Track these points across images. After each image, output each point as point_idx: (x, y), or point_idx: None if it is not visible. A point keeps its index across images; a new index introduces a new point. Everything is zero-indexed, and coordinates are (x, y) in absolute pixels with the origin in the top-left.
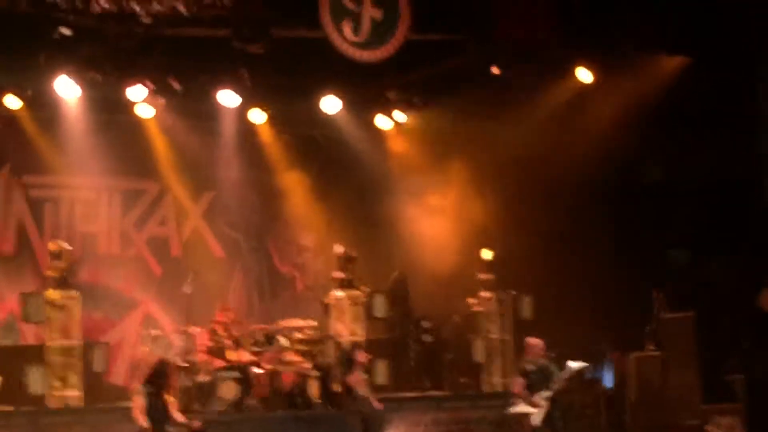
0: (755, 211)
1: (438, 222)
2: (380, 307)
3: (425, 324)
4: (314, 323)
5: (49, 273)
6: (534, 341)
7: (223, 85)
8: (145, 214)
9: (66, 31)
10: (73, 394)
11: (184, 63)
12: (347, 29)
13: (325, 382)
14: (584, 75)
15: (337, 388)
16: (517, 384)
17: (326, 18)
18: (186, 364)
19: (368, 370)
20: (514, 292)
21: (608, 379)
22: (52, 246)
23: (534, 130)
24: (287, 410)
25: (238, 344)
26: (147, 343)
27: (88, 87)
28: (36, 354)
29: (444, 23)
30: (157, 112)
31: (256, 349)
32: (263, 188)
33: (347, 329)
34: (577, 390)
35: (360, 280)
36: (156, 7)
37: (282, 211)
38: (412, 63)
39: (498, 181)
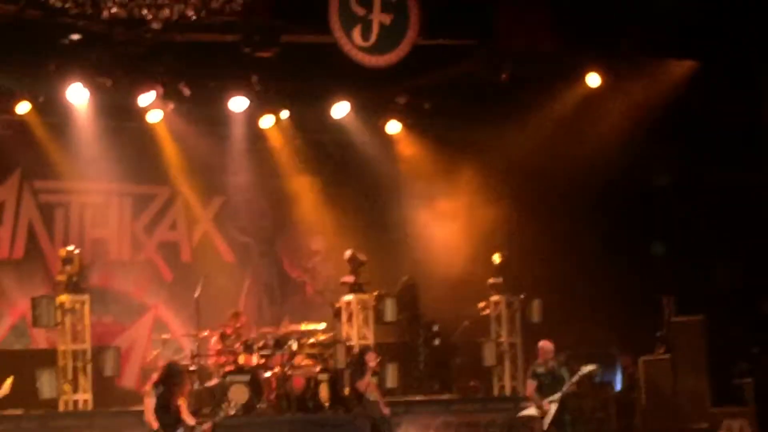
0: (764, 216)
1: (447, 226)
2: (390, 311)
3: (435, 328)
4: (324, 327)
5: (60, 277)
6: (545, 344)
7: (233, 90)
8: (155, 218)
9: (76, 37)
10: (84, 397)
11: (194, 68)
12: (356, 34)
13: (335, 385)
14: (593, 80)
15: (347, 391)
16: (529, 386)
17: (336, 23)
18: (196, 368)
19: (378, 373)
20: (523, 296)
21: (618, 383)
22: (62, 251)
23: (543, 134)
24: (297, 414)
25: (248, 348)
26: (157, 347)
27: (98, 92)
28: (47, 358)
29: (453, 28)
30: (167, 117)
31: (266, 352)
32: (273, 193)
33: (357, 333)
34: (587, 393)
35: (370, 284)
36: (166, 12)
37: (292, 216)
38: (421, 68)
39: (507, 186)
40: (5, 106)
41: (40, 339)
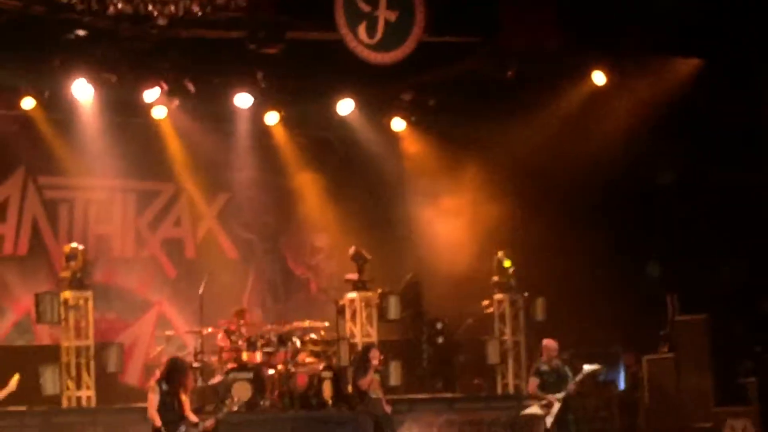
0: None
1: (452, 224)
2: (394, 308)
3: (438, 325)
4: (327, 324)
5: (64, 274)
6: (550, 342)
7: (238, 87)
8: (159, 215)
9: (81, 33)
10: (87, 394)
11: (199, 65)
12: (362, 31)
13: (338, 383)
14: (598, 78)
15: (350, 389)
16: (532, 384)
17: (341, 20)
18: (199, 365)
19: (381, 371)
20: (527, 294)
21: (621, 382)
22: (66, 247)
23: (548, 132)
24: (300, 411)
25: (251, 345)
26: (161, 344)
27: (103, 88)
28: (50, 354)
29: (459, 26)
30: (171, 113)
31: (269, 350)
32: (277, 190)
33: (361, 330)
34: (590, 392)
35: (373, 281)
36: (171, 9)
37: (296, 213)
38: (426, 65)
39: (512, 184)
40: (10, 102)
41: (43, 335)
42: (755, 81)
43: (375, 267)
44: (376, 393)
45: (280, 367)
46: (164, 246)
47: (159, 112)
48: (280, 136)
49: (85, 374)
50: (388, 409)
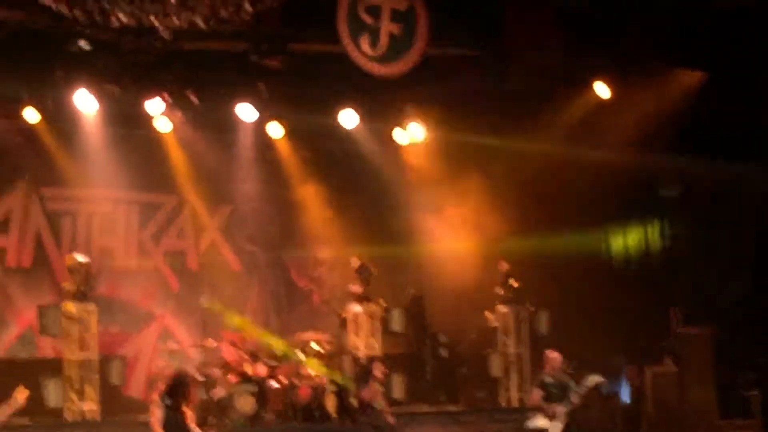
0: None
1: (455, 236)
2: (397, 321)
3: (442, 338)
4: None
5: (67, 286)
6: (553, 354)
7: (241, 98)
8: (162, 227)
9: (85, 45)
10: (90, 407)
11: (203, 77)
12: (365, 43)
13: (341, 395)
14: (602, 89)
15: (353, 402)
16: (535, 395)
17: (344, 32)
18: (203, 378)
19: (385, 384)
20: (531, 307)
21: (625, 395)
22: (69, 259)
23: (551, 144)
24: (303, 424)
25: (254, 358)
26: (164, 356)
27: (107, 100)
28: (53, 367)
29: (462, 38)
30: (174, 125)
31: (272, 362)
32: (280, 202)
33: (364, 343)
34: (594, 405)
35: (377, 294)
36: (175, 21)
37: (299, 225)
38: (429, 77)
39: (515, 195)
40: (13, 114)
41: (46, 348)
42: (759, 92)
43: (378, 279)
44: (379, 404)
45: (283, 379)
46: (167, 258)
47: (162, 124)
48: (283, 147)
49: (88, 387)
50: (391, 420)
